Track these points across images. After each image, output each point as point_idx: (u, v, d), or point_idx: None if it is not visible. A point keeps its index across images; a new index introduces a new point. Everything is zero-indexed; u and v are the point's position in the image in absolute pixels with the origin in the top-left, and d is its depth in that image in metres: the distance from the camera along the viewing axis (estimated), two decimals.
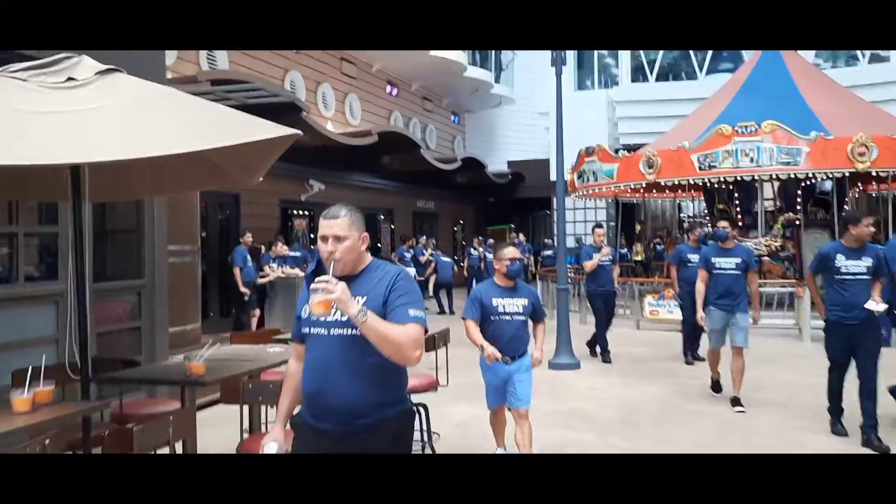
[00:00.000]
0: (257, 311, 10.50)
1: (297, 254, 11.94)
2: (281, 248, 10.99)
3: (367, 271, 2.55)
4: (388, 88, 17.74)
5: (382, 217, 17.35)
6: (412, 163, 15.72)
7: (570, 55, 23.77)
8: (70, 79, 3.33)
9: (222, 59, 11.48)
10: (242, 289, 9.91)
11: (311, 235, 13.80)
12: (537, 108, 22.51)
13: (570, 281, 10.56)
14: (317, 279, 2.35)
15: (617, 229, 17.08)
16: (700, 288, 6.55)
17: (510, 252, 4.51)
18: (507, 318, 4.45)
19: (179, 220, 6.69)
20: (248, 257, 10.12)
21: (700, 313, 6.50)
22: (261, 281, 10.41)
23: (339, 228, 2.46)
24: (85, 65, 3.41)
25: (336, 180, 15.09)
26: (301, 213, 14.02)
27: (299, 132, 3.43)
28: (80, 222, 3.57)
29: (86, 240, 3.76)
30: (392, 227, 17.76)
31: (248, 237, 10.25)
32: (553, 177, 10.92)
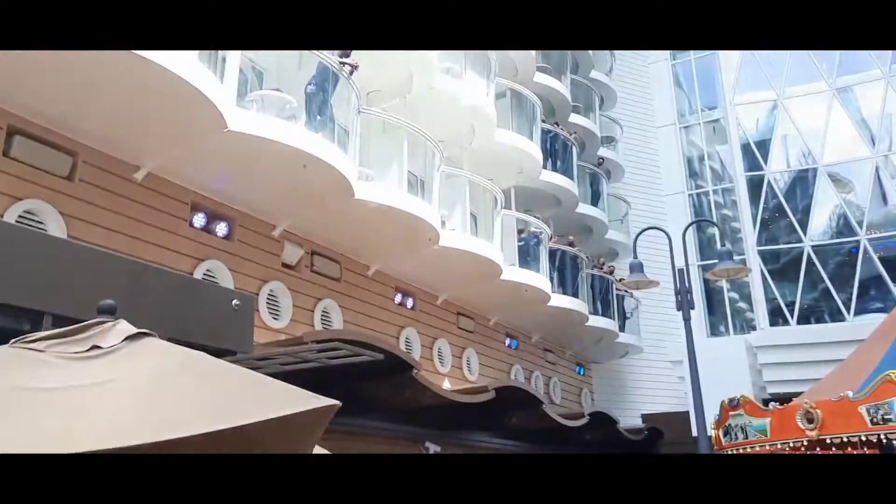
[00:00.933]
0: None
1: None
2: None
3: None
4: (507, 341, 17.23)
5: None
6: (535, 420, 14.59)
7: (698, 300, 22.83)
8: (94, 347, 2.84)
9: (336, 317, 11.42)
10: None
11: None
12: (669, 357, 21.19)
13: None
14: None
15: None
16: None
17: None
18: None
19: None
20: None
21: None
22: None
23: None
24: (117, 330, 2.94)
25: (453, 441, 14.09)
26: None
27: (338, 403, 2.64)
28: None
29: None
30: None
31: None
32: (695, 431, 9.53)
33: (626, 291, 21.37)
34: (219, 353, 4.73)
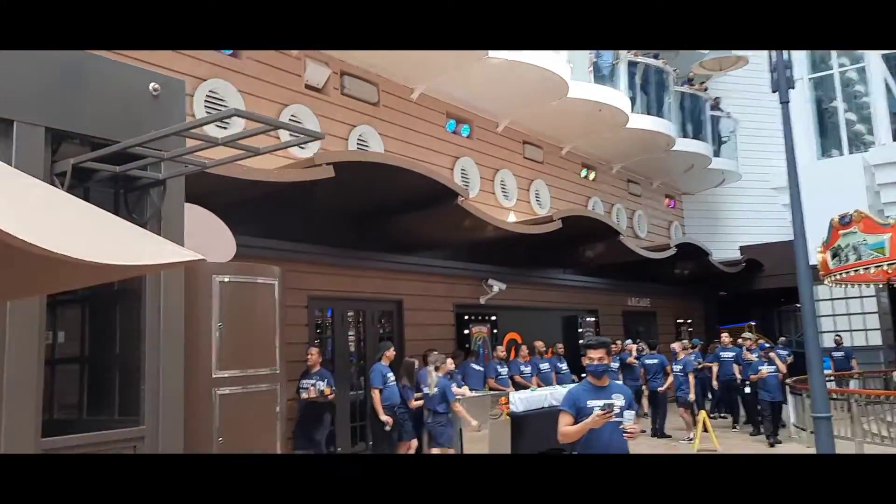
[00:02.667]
0: (413, 443, 8.50)
1: (480, 367, 10.04)
2: (449, 364, 9.03)
3: None
4: (584, 172, 15.62)
5: (584, 318, 14.84)
6: (612, 253, 13.26)
7: (808, 120, 20.20)
8: None
9: (376, 145, 10.18)
10: (383, 416, 7.99)
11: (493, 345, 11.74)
12: (771, 183, 19.03)
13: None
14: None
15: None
16: None
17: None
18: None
19: (246, 336, 4.99)
20: (391, 375, 8.25)
21: None
22: (416, 404, 8.45)
23: None
24: None
25: (521, 279, 13.03)
26: (479, 318, 12.06)
27: (200, 258, 2.14)
28: None
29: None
30: (597, 329, 15.15)
31: (391, 351, 8.41)
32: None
33: (721, 111, 19.01)
34: (136, 157, 3.59)
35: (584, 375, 4.85)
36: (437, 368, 8.29)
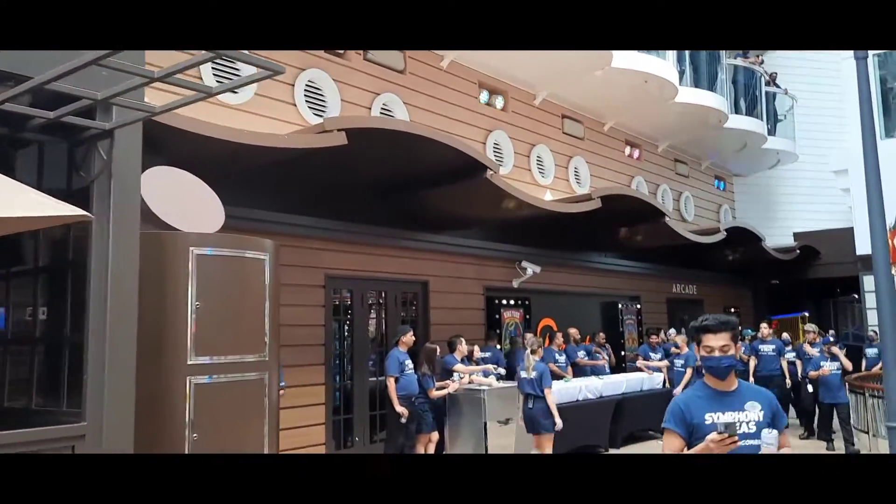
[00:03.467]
0: (434, 435, 7.87)
1: (488, 354, 9.33)
2: (464, 347, 8.37)
3: None
4: (627, 150, 14.70)
5: (625, 305, 14.00)
6: (657, 235, 12.38)
7: (874, 98, 18.87)
8: None
9: (401, 114, 9.49)
10: (398, 407, 7.36)
11: (525, 330, 10.99)
12: (830, 166, 17.82)
13: None
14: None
15: None
16: None
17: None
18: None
19: (229, 317, 4.38)
20: (409, 362, 7.61)
21: None
22: (437, 394, 7.81)
23: None
24: None
25: (557, 261, 12.25)
26: (512, 302, 11.33)
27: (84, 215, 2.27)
28: None
29: None
30: (639, 317, 14.31)
31: (410, 336, 7.75)
32: (860, 249, 7.11)
33: (778, 87, 17.82)
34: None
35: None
36: (533, 352, 7.66)
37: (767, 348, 11.40)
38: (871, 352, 12.43)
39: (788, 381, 11.11)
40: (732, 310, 18.25)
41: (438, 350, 8.07)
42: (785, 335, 12.77)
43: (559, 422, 7.33)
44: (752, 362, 11.42)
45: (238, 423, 4.34)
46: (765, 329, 11.78)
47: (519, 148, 11.73)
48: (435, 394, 7.78)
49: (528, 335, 7.99)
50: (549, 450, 7.36)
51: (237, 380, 4.36)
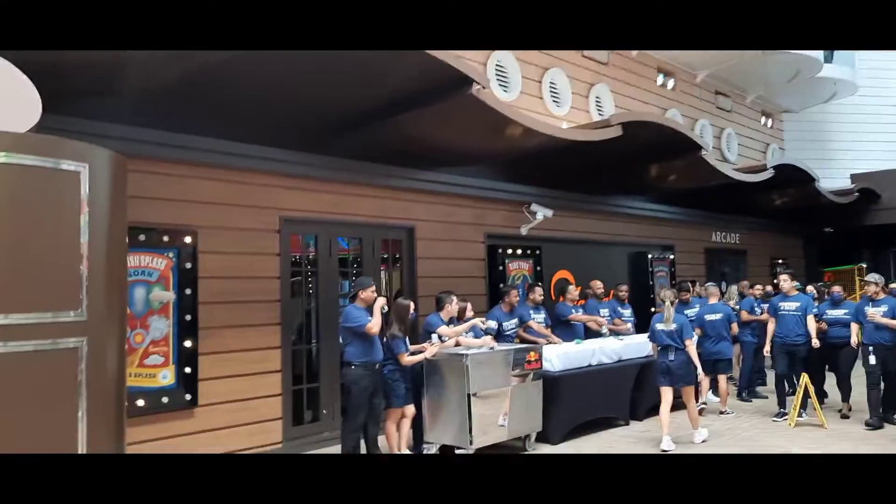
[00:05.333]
0: (408, 410, 6.45)
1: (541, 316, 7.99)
2: (454, 307, 6.89)
3: None
4: (660, 78, 12.84)
5: (656, 256, 12.33)
6: (692, 173, 10.63)
7: None
8: None
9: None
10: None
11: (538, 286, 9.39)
12: (892, 99, 15.69)
13: None
14: None
15: None
16: None
17: None
18: None
19: (22, 258, 2.94)
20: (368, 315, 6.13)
21: None
22: (410, 360, 6.37)
23: None
24: None
25: (574, 205, 10.63)
26: (519, 252, 9.78)
27: None
28: None
29: None
30: (672, 269, 12.63)
31: (370, 291, 6.23)
32: None
33: None
34: None
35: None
36: (672, 303, 7.33)
37: (790, 306, 8.45)
38: None
39: (815, 342, 8.25)
40: (780, 261, 16.42)
41: (413, 307, 6.59)
42: (810, 288, 10.69)
43: (701, 372, 7.36)
44: (771, 325, 8.61)
45: (32, 411, 2.93)
46: (786, 282, 8.67)
47: (528, 71, 10.03)
48: (407, 359, 6.34)
49: (665, 289, 7.73)
50: (693, 400, 7.33)
51: (34, 349, 2.95)
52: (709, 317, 8.79)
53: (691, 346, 7.13)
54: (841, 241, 17.34)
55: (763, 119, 16.38)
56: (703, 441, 7.15)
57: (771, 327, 8.61)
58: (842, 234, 17.21)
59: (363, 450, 6.22)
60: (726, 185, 11.31)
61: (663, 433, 6.90)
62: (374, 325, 5.98)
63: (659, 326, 7.23)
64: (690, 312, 8.87)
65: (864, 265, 17.19)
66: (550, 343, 8.10)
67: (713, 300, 9.13)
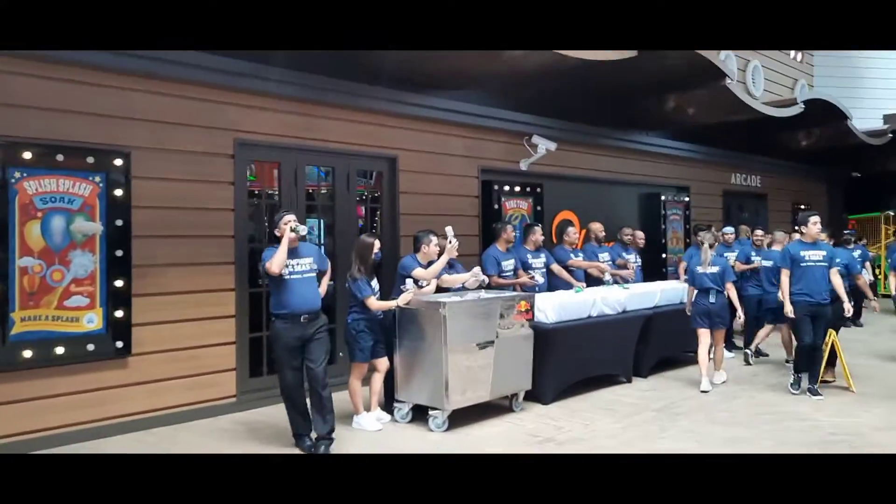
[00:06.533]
0: (380, 363, 5.62)
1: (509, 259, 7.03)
2: (433, 248, 5.97)
3: None
4: None
5: (670, 198, 11.32)
6: (713, 105, 9.55)
7: None
8: None
9: None
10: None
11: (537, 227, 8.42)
12: None
13: None
14: None
15: None
16: None
17: None
18: None
19: None
20: (293, 262, 5.13)
21: None
22: (379, 305, 5.50)
23: None
24: None
25: (581, 138, 9.59)
26: (518, 189, 8.80)
27: None
28: None
29: None
30: (687, 212, 11.64)
31: (284, 223, 5.21)
32: None
33: None
34: None
35: None
36: (711, 246, 7.22)
37: (815, 256, 6.80)
38: None
39: (847, 305, 6.78)
40: (802, 207, 15.36)
41: (377, 245, 5.65)
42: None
43: (741, 314, 7.30)
44: (785, 278, 6.85)
45: None
46: (816, 225, 6.98)
47: None
48: (375, 304, 5.46)
49: (704, 232, 7.49)
50: (723, 343, 7.40)
51: None
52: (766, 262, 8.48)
53: (732, 289, 7.15)
54: (866, 188, 16.24)
55: (792, 52, 15.08)
56: (723, 382, 7.25)
57: (785, 281, 6.85)
58: (868, 180, 16.11)
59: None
60: (750, 122, 10.27)
61: (702, 374, 6.97)
62: (274, 262, 4.76)
63: (699, 269, 7.15)
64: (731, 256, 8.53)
65: (893, 212, 16.14)
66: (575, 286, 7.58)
67: (777, 246, 8.25)
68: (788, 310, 6.73)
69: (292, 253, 4.90)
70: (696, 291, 7.17)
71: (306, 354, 4.95)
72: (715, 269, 7.06)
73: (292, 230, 4.82)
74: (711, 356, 7.14)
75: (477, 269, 6.43)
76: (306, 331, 4.93)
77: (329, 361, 6.90)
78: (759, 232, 9.43)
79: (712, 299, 7.01)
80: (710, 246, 7.19)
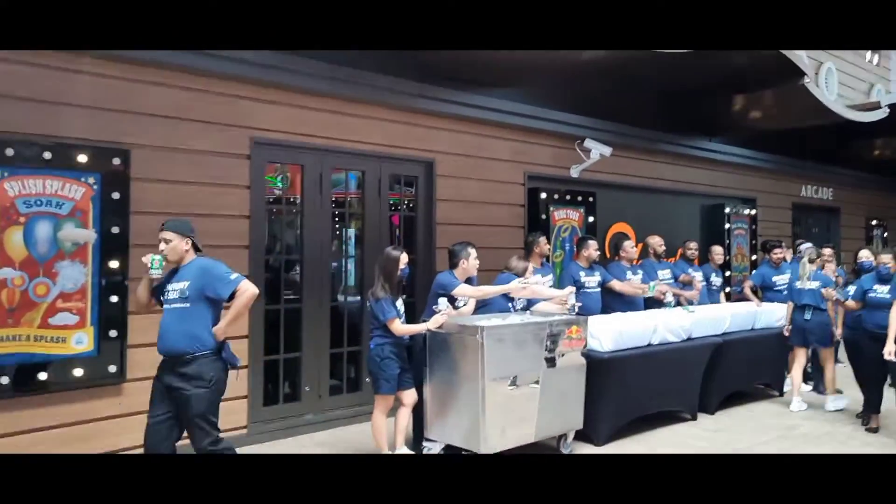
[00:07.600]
0: (407, 396, 4.88)
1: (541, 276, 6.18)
2: (473, 262, 5.22)
3: None
4: None
5: (734, 210, 10.35)
6: (790, 108, 8.62)
7: None
8: None
9: None
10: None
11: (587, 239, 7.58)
12: None
13: None
14: None
15: None
16: None
17: None
18: None
19: None
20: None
21: None
22: (405, 329, 4.78)
23: None
24: None
25: (637, 143, 8.74)
26: (568, 198, 7.98)
27: None
28: None
29: None
30: (754, 226, 10.65)
31: (402, 255, 4.59)
32: None
33: None
34: None
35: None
36: (811, 261, 6.91)
37: (883, 290, 5.99)
38: None
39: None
40: (874, 222, 14.17)
41: (404, 260, 4.90)
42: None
43: (838, 334, 6.94)
44: (841, 313, 6.75)
45: None
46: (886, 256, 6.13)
47: None
48: (401, 328, 4.73)
49: (805, 244, 7.43)
50: (831, 362, 6.99)
51: None
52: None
53: (832, 308, 6.94)
54: None
55: (869, 55, 13.92)
56: (836, 410, 6.74)
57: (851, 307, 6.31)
58: None
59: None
60: (825, 128, 9.27)
61: (794, 394, 6.85)
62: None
63: (798, 285, 6.93)
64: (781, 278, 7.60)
65: None
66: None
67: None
68: (839, 332, 6.89)
69: (172, 275, 3.91)
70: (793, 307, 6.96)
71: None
72: (814, 285, 6.76)
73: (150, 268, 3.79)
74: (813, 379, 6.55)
75: (571, 289, 5.69)
76: (166, 378, 3.79)
77: (353, 388, 6.25)
78: (826, 251, 8.20)
79: (807, 316, 6.79)
80: (811, 261, 6.93)
